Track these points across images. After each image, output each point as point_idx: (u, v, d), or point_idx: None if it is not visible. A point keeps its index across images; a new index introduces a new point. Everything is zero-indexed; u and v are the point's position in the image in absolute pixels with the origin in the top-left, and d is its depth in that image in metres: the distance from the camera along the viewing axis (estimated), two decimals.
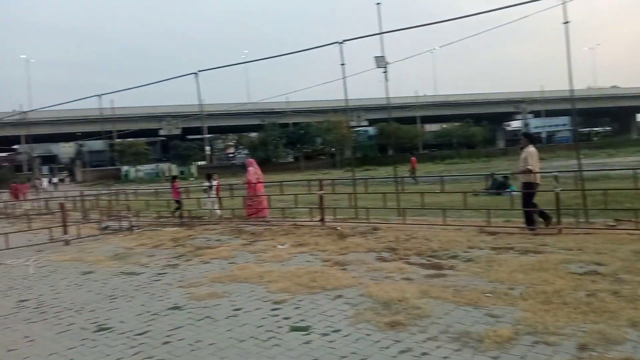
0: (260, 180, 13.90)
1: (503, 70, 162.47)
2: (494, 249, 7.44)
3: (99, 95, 20.02)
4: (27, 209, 20.98)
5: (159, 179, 58.05)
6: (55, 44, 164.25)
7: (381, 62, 12.85)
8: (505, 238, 8.22)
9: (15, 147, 79.83)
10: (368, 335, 4.28)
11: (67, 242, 11.21)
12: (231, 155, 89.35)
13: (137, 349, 4.36)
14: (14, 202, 24.18)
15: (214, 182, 14.98)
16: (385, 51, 13.43)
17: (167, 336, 4.63)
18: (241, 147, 79.42)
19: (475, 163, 50.64)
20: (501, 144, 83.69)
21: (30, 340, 4.81)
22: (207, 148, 31.22)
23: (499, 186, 15.34)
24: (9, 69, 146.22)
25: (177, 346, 4.36)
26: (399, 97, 69.34)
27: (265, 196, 13.81)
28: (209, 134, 56.40)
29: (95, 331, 4.93)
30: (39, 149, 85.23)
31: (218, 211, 14.31)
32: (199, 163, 67.83)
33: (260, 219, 12.78)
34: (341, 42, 12.10)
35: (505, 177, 15.52)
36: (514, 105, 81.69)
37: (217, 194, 14.99)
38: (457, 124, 75.46)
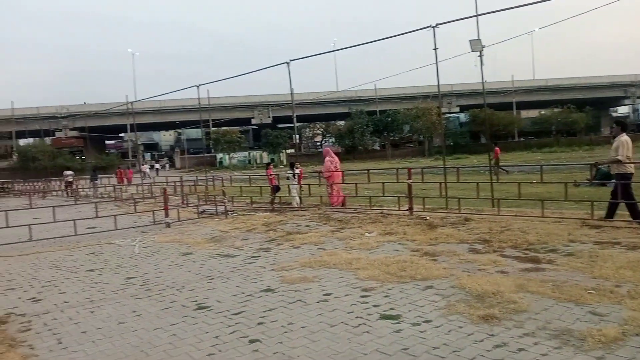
0: (338, 169, 13.93)
1: (609, 53, 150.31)
2: (597, 243, 6.98)
3: (197, 86, 20.90)
4: (133, 192, 22.57)
5: (251, 166, 60.09)
6: (156, 37, 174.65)
7: (476, 45, 12.31)
8: (611, 232, 7.67)
9: (121, 135, 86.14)
10: (460, 327, 4.18)
11: (168, 225, 11.95)
12: (319, 143, 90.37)
13: (234, 328, 4.56)
14: (120, 186, 26.11)
15: (297, 170, 15.31)
16: (479, 35, 12.90)
17: (261, 317, 4.80)
18: (328, 135, 79.97)
19: (577, 152, 47.41)
20: (606, 131, 77.61)
21: (137, 315, 5.19)
22: (296, 136, 31.80)
23: (604, 177, 14.27)
24: (117, 63, 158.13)
25: (270, 327, 4.52)
26: (494, 82, 66.45)
27: (341, 184, 13.86)
28: (298, 122, 57.40)
29: (195, 309, 5.23)
30: (142, 137, 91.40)
31: (297, 198, 14.61)
32: (288, 151, 69.28)
33: (344, 206, 12.89)
34: (434, 26, 11.78)
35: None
36: (623, 90, 75.52)
37: (299, 181, 15.31)
38: (556, 109, 70.79)
